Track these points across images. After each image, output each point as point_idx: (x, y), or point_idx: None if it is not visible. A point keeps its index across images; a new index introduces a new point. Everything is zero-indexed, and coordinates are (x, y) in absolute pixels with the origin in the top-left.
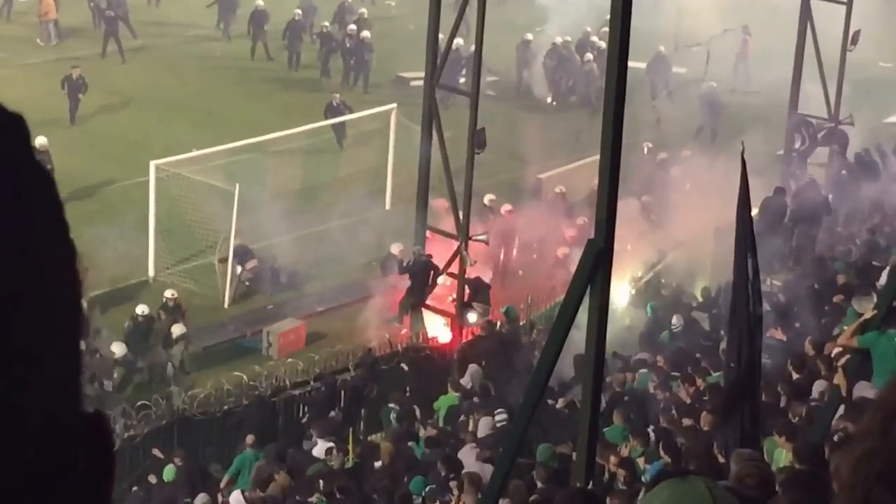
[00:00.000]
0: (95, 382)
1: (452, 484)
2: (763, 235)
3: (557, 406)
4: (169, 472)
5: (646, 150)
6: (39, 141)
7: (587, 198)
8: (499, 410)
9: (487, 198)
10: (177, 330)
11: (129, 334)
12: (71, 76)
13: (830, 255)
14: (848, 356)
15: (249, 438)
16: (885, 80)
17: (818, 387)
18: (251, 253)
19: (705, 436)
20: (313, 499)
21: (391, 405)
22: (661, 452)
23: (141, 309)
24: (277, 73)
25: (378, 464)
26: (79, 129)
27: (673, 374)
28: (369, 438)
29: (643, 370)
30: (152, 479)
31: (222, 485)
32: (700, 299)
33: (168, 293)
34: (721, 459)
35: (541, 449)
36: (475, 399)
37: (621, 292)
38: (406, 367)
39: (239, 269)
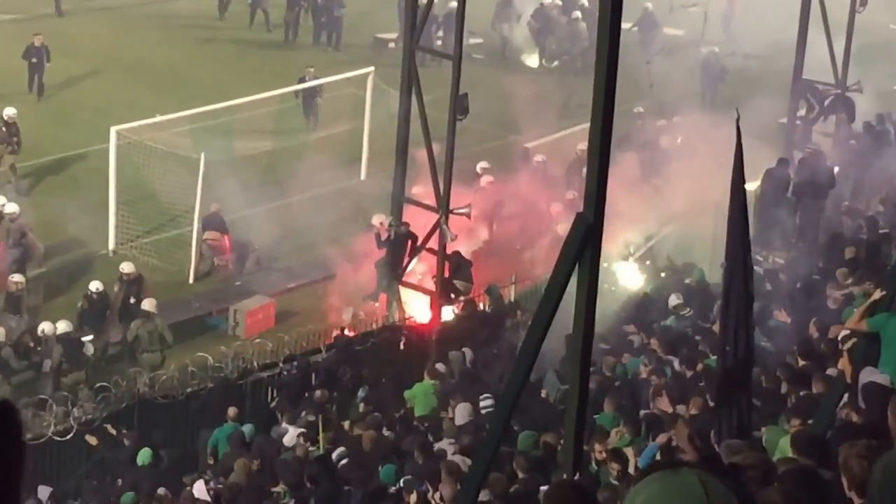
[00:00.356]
0: (27, 361)
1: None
2: (765, 209)
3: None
4: (144, 456)
5: (636, 114)
6: (8, 112)
7: (571, 168)
8: (484, 396)
9: (480, 165)
10: (148, 305)
11: (83, 314)
12: (33, 44)
13: (838, 231)
14: (854, 340)
15: (232, 411)
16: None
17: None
18: (222, 223)
19: (696, 423)
20: (278, 488)
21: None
22: (650, 440)
23: (95, 285)
24: (247, 33)
25: (334, 453)
26: (35, 94)
27: (667, 357)
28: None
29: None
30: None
31: (209, 459)
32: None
33: (124, 266)
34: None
35: (522, 437)
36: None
37: (613, 269)
38: (381, 349)
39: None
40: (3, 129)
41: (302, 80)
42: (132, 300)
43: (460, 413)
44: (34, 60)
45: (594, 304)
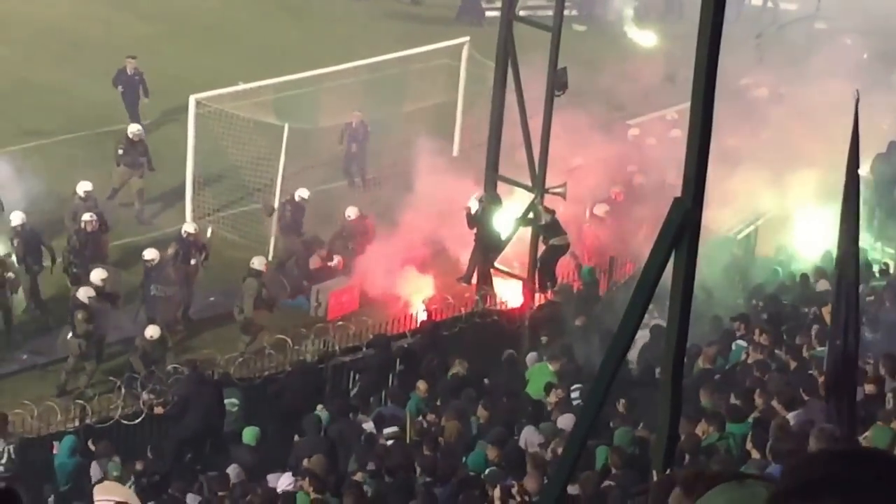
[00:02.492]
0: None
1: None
2: (879, 196)
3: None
4: (249, 434)
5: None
6: (133, 129)
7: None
8: (575, 386)
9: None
10: (257, 263)
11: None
12: (124, 69)
13: None
14: None
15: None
16: None
17: None
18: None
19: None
20: (358, 477)
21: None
22: (750, 444)
23: (150, 254)
24: None
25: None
26: (108, 60)
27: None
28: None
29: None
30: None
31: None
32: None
33: (188, 227)
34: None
35: (619, 433)
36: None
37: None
38: (470, 334)
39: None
40: (121, 150)
41: (348, 126)
42: (192, 262)
43: (564, 424)
44: (121, 89)
45: (690, 295)
